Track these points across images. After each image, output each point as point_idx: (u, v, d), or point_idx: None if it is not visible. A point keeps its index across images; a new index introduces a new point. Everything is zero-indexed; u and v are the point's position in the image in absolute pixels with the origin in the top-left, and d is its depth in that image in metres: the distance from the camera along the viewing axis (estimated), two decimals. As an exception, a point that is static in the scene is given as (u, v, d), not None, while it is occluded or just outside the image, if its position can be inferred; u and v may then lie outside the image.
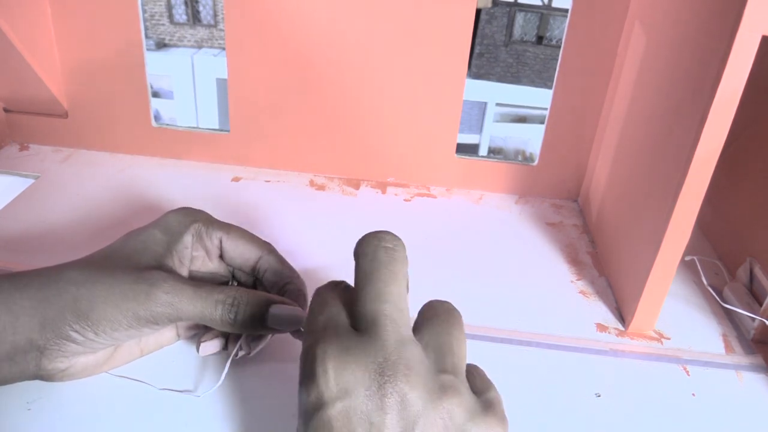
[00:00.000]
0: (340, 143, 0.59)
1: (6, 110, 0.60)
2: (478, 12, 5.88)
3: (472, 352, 0.40)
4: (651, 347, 0.42)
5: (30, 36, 0.54)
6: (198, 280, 0.34)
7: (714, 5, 0.35)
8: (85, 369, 0.33)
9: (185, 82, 5.36)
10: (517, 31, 6.23)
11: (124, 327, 0.30)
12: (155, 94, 4.67)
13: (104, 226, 0.50)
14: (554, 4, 6.15)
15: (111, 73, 0.57)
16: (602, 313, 0.45)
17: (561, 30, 6.09)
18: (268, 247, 0.37)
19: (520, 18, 6.19)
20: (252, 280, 0.37)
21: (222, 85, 5.13)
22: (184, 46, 6.14)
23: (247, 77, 0.56)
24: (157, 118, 0.60)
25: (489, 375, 0.38)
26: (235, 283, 0.38)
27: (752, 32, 0.32)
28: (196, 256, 0.36)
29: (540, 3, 6.12)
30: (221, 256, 0.37)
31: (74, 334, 0.30)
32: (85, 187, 0.55)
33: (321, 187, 0.59)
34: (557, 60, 0.54)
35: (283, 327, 0.33)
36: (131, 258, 0.32)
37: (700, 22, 0.37)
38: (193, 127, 0.60)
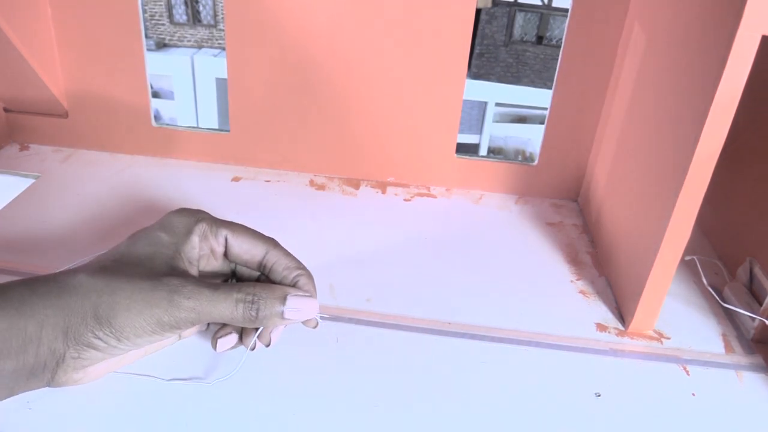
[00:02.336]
0: (340, 143, 0.59)
1: (6, 110, 0.60)
2: (478, 12, 5.88)
3: (473, 352, 0.40)
4: (651, 347, 0.42)
5: (30, 36, 0.54)
6: (210, 281, 0.34)
7: (714, 5, 0.35)
8: (96, 375, 0.33)
9: (185, 82, 5.35)
10: (517, 31, 6.22)
11: (148, 333, 0.31)
12: (155, 94, 4.67)
13: (104, 226, 0.50)
14: (554, 4, 6.14)
15: (111, 73, 0.57)
16: (602, 313, 0.45)
17: (561, 30, 6.09)
18: (273, 242, 0.37)
19: (520, 18, 6.19)
20: (256, 275, 0.37)
21: (222, 85, 5.13)
22: (184, 46, 6.13)
23: (247, 77, 0.56)
24: (157, 118, 0.60)
25: (489, 375, 0.38)
26: (234, 280, 0.38)
27: (752, 32, 0.32)
28: (202, 255, 0.36)
29: (540, 3, 6.11)
30: (225, 254, 0.37)
31: (96, 341, 0.30)
32: (85, 187, 0.55)
33: (321, 187, 0.59)
34: (557, 60, 0.54)
35: (301, 317, 0.34)
36: (144, 263, 0.32)
37: (700, 22, 0.37)
38: (193, 127, 0.60)
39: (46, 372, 0.30)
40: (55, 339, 0.29)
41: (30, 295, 0.30)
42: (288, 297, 0.33)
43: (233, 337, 0.35)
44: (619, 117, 0.50)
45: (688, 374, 0.40)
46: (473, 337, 0.41)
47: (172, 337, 0.36)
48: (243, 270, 0.38)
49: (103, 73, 0.57)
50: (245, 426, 0.33)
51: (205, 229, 0.35)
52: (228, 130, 0.59)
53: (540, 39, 6.27)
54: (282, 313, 0.33)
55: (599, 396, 0.37)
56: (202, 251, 0.36)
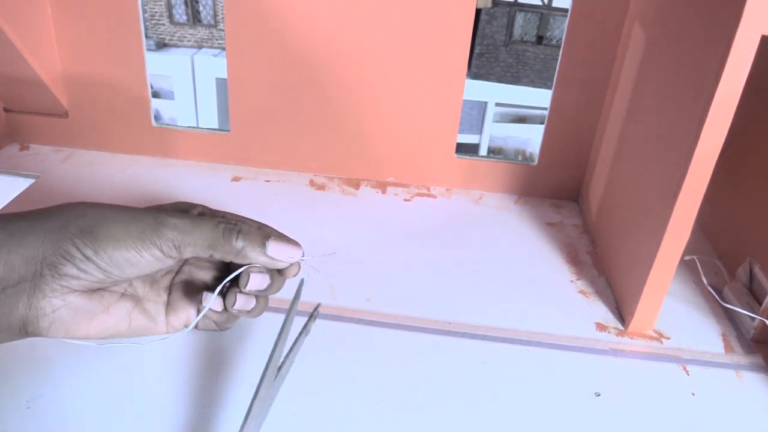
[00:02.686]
0: (340, 143, 0.59)
1: (6, 110, 0.60)
2: (478, 12, 5.88)
3: (473, 352, 0.40)
4: (651, 347, 0.42)
5: (30, 36, 0.54)
6: None
7: (714, 5, 0.35)
8: (75, 320, 0.31)
9: (185, 82, 5.35)
10: (517, 31, 6.22)
11: (127, 246, 0.31)
12: (155, 94, 4.67)
13: (104, 226, 0.50)
14: (554, 4, 6.15)
15: (111, 73, 0.57)
16: (602, 312, 0.45)
17: (561, 30, 6.09)
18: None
19: (520, 18, 6.19)
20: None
21: (222, 85, 5.12)
22: (184, 46, 6.13)
23: (247, 77, 0.56)
24: (157, 118, 0.60)
25: (489, 375, 0.38)
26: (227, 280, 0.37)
27: (752, 32, 0.32)
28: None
29: (540, 3, 6.11)
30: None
31: (73, 250, 0.30)
32: (85, 187, 0.55)
33: (321, 187, 0.59)
34: (557, 60, 0.54)
35: (283, 256, 0.34)
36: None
37: (700, 21, 0.37)
38: (193, 127, 0.60)
39: (20, 291, 0.29)
40: (28, 247, 0.29)
41: (4, 215, 0.30)
42: (270, 237, 0.34)
43: (218, 300, 0.35)
44: (619, 117, 0.50)
45: (688, 374, 0.40)
46: (473, 337, 0.41)
47: (159, 326, 0.35)
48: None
49: (103, 73, 0.57)
50: (245, 426, 0.33)
51: (203, 210, 0.36)
52: (228, 130, 0.59)
53: (540, 39, 6.27)
54: (265, 246, 0.34)
55: (599, 396, 0.37)
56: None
